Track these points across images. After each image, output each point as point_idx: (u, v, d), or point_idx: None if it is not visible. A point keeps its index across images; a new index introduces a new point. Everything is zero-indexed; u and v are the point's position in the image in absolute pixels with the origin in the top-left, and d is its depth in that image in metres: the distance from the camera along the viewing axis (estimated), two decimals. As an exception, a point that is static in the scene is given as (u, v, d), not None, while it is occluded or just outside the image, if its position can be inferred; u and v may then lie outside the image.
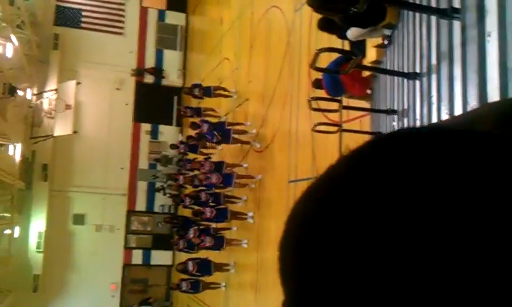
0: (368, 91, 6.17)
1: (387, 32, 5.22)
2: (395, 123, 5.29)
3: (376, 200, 0.33)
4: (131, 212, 20.56)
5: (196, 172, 12.84)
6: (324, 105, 6.48)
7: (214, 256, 12.28)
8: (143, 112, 20.90)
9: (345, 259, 0.33)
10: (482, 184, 0.32)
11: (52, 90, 18.89)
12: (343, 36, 5.51)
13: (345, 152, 0.38)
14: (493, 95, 3.52)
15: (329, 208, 0.35)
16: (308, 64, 5.59)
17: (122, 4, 21.54)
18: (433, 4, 4.27)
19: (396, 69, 5.17)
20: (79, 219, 19.91)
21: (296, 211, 0.38)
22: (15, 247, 17.71)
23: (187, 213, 13.83)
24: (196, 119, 13.21)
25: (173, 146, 15.89)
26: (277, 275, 0.38)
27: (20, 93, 17.05)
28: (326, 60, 5.80)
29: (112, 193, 20.10)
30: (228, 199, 11.96)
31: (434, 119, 4.42)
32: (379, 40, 5.39)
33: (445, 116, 4.16)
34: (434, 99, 4.42)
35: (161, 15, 22.05)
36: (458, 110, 4.01)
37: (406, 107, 5.04)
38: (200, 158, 13.02)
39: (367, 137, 0.41)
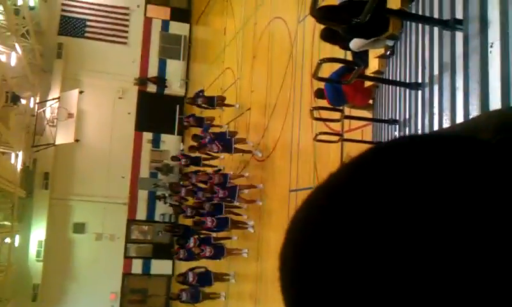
0: (370, 101, 6.18)
1: (390, 43, 5.23)
2: (396, 133, 5.29)
3: (378, 208, 0.33)
4: (131, 221, 20.50)
5: (202, 185, 12.77)
6: (325, 114, 6.48)
7: (214, 265, 12.21)
8: (145, 121, 20.95)
9: (346, 267, 0.32)
10: (479, 191, 0.32)
11: (54, 99, 18.94)
12: (346, 47, 5.51)
13: (347, 160, 0.38)
14: (495, 106, 3.51)
15: (330, 216, 0.35)
16: (311, 74, 5.60)
17: (126, 15, 21.67)
18: (436, 15, 4.29)
19: (398, 79, 5.17)
20: (79, 228, 19.84)
21: (296, 219, 0.38)
22: (14, 256, 17.63)
23: (187, 222, 13.80)
24: (198, 131, 13.24)
25: (174, 158, 15.85)
26: (277, 285, 0.38)
27: (23, 101, 17.08)
28: (328, 70, 5.83)
29: (113, 202, 20.05)
30: (230, 209, 11.95)
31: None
32: (381, 51, 5.39)
33: (446, 126, 4.15)
34: (435, 109, 4.41)
35: (165, 25, 22.16)
36: (460, 121, 4.02)
37: (407, 117, 5.03)
38: (206, 169, 13.04)
39: (368, 147, 0.40)
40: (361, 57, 5.52)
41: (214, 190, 11.59)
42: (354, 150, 6.05)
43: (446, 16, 4.10)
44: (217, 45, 17.49)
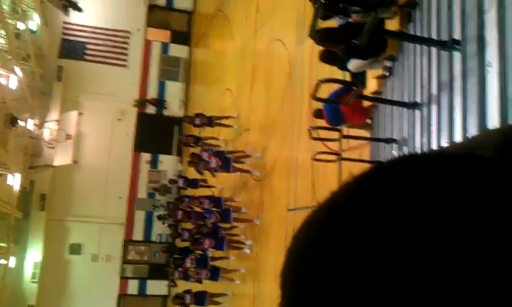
0: (368, 121, 6.20)
1: (388, 63, 5.28)
2: (394, 152, 5.30)
3: (380, 228, 0.33)
4: (128, 242, 20.34)
5: (198, 208, 12.72)
6: (324, 134, 6.50)
7: (211, 285, 12.08)
8: (144, 141, 20.94)
9: (348, 287, 0.32)
10: (485, 210, 0.32)
11: (54, 120, 18.94)
12: (344, 68, 5.55)
13: (348, 179, 0.38)
14: (493, 125, 3.52)
15: (331, 234, 0.34)
16: (309, 95, 5.64)
17: (127, 38, 21.84)
18: (434, 36, 4.34)
19: (396, 99, 5.21)
20: (76, 249, 19.65)
21: (298, 238, 0.38)
22: (10, 277, 17.36)
23: (184, 245, 13.67)
24: (196, 150, 13.22)
25: (172, 182, 15.79)
26: (277, 304, 0.37)
27: (21, 123, 17.07)
28: (326, 91, 5.83)
29: (110, 222, 19.91)
30: (227, 231, 11.90)
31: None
32: (379, 71, 5.44)
33: (444, 146, 4.16)
34: (433, 128, 4.43)
35: (165, 47, 22.33)
36: (458, 140, 4.03)
37: (405, 136, 5.05)
38: (203, 192, 13.00)
39: (366, 166, 0.42)
40: (359, 78, 5.57)
41: (205, 216, 11.56)
42: (352, 169, 6.06)
43: (444, 36, 4.14)
44: (216, 67, 17.57)
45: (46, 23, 19.76)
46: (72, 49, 20.98)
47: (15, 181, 16.83)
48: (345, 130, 6.49)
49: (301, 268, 0.35)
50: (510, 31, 3.35)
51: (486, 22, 3.55)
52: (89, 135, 20.31)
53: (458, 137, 4.07)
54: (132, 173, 20.89)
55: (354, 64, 5.26)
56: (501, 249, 0.30)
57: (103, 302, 19.24)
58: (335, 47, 4.96)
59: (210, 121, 14.04)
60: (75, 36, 21.16)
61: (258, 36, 13.09)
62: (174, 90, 21.84)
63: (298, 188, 9.19)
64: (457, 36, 3.94)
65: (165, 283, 19.08)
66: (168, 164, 21.00)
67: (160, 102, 21.63)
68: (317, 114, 6.38)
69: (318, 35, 4.68)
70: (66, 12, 20.13)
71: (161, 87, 21.95)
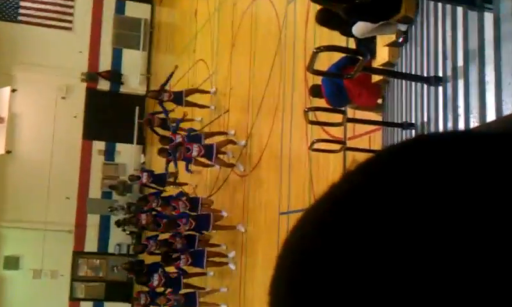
0: (379, 101, 6.24)
1: (402, 27, 5.29)
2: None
3: (395, 232, 0.33)
4: (79, 253, 20.35)
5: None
6: (324, 117, 6.51)
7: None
8: (96, 127, 20.86)
9: (360, 300, 0.32)
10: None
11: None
12: (347, 33, 5.59)
13: (351, 167, 0.39)
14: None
15: (333, 239, 0.35)
16: (305, 67, 5.65)
17: (71, -7, 21.69)
18: (460, -8, 4.34)
19: (413, 73, 5.22)
20: (12, 263, 19.65)
21: (291, 242, 0.38)
22: None
23: (151, 259, 13.61)
24: (167, 133, 13.08)
25: (133, 178, 15.57)
26: None
27: None
28: (326, 62, 5.87)
29: (55, 229, 19.88)
30: (205, 242, 11.95)
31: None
32: (392, 37, 5.46)
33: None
34: (460, 109, 4.48)
35: (120, 6, 22.23)
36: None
37: (425, 119, 5.09)
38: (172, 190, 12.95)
39: (377, 151, 0.44)
40: (367, 46, 5.60)
41: (178, 223, 11.54)
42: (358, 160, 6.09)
43: (473, -8, 4.15)
44: (186, 31, 17.60)
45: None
46: (2, 8, 20.66)
47: None
48: (351, 112, 6.51)
49: (297, 278, 0.36)
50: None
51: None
52: (25, 117, 20.21)
53: (491, 118, 4.14)
54: (82, 166, 20.81)
55: (359, 28, 5.30)
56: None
57: (48, 331, 19.29)
58: (335, 4, 4.96)
59: (180, 99, 13.94)
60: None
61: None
62: (133, 60, 21.77)
63: (292, 186, 9.26)
64: (489, -9, 3.95)
65: (127, 305, 19.12)
66: (128, 155, 21.01)
67: (115, 76, 21.55)
68: (315, 91, 6.44)
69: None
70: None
71: (117, 57, 21.86)
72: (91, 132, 20.98)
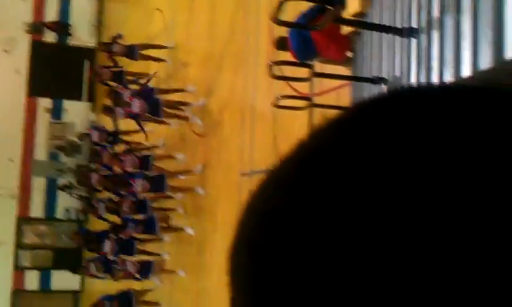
0: (349, 54, 6.27)
1: (375, -27, 5.28)
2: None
3: (368, 189, 0.32)
4: (23, 220, 20.18)
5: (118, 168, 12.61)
6: (289, 71, 6.54)
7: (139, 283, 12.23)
8: (42, 82, 20.50)
9: (326, 271, 0.32)
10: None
11: None
12: (316, -21, 5.54)
13: (321, 123, 0.38)
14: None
15: (301, 197, 0.34)
16: (269, 17, 5.63)
17: None
18: None
19: (386, 24, 5.21)
20: None
21: (253, 203, 0.38)
22: None
23: (101, 225, 13.59)
24: (114, 84, 12.90)
25: (82, 136, 15.46)
26: (225, 299, 0.38)
27: None
28: (293, 12, 5.84)
29: (-3, 194, 19.65)
30: (156, 207, 11.99)
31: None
32: (364, -16, 5.45)
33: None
34: (435, 63, 4.49)
35: None
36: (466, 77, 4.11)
37: (398, 74, 5.12)
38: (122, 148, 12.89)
39: (350, 105, 0.42)
40: (337, -6, 5.56)
41: (129, 182, 11.47)
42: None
43: None
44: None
45: None
46: None
47: None
48: (318, 67, 6.51)
49: (258, 241, 0.35)
50: None
51: None
52: (-39, 73, 19.81)
53: (467, 73, 4.15)
54: (26, 125, 20.49)
55: (329, -27, 5.24)
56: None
57: (-9, 302, 19.31)
58: None
59: (133, 52, 13.72)
60: None
61: None
62: (82, 9, 21.38)
63: (255, 145, 9.33)
64: None
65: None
66: (76, 113, 20.74)
67: (62, 26, 21.19)
68: (280, 44, 6.53)
69: None
70: None
71: (64, 6, 21.48)
72: (36, 88, 20.63)
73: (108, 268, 12.37)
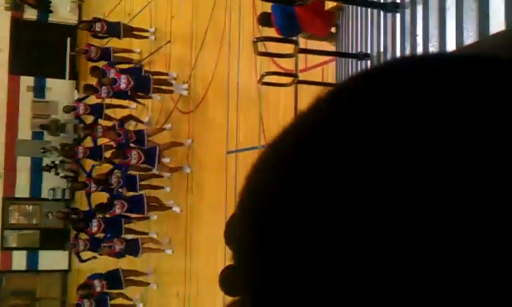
0: (333, 29, 6.26)
1: None
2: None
3: (374, 166, 0.32)
4: (9, 200, 20.10)
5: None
6: (274, 48, 6.46)
7: (126, 262, 12.21)
8: (24, 60, 20.35)
9: (325, 252, 0.32)
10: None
11: None
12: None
13: (319, 96, 0.37)
14: (498, 30, 3.59)
15: (303, 174, 0.34)
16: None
17: None
18: None
19: (370, -2, 5.20)
20: None
21: (254, 181, 0.38)
22: None
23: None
24: (100, 64, 12.80)
25: (67, 109, 15.31)
26: (211, 286, 0.31)
27: None
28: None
29: (-20, 175, 19.55)
30: (145, 184, 11.94)
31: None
32: (347, -41, 5.42)
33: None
34: (419, 38, 4.49)
35: None
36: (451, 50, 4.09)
37: (382, 49, 5.12)
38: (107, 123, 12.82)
39: (353, 75, 0.40)
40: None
41: (125, 155, 11.39)
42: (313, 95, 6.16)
43: None
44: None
45: None
46: None
47: None
48: (302, 43, 6.51)
49: (263, 226, 0.35)
50: None
51: None
52: None
53: (451, 47, 4.18)
54: (9, 105, 20.23)
55: None
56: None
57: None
58: None
59: (116, 30, 13.58)
60: None
61: None
62: (62, -15, 21.13)
63: (240, 123, 9.34)
64: None
65: (64, 253, 19.13)
66: (59, 91, 20.52)
67: (43, 3, 20.89)
68: (264, 19, 6.48)
69: None
70: None
71: (44, -19, 21.12)
72: (18, 66, 20.44)
73: (96, 247, 12.39)
